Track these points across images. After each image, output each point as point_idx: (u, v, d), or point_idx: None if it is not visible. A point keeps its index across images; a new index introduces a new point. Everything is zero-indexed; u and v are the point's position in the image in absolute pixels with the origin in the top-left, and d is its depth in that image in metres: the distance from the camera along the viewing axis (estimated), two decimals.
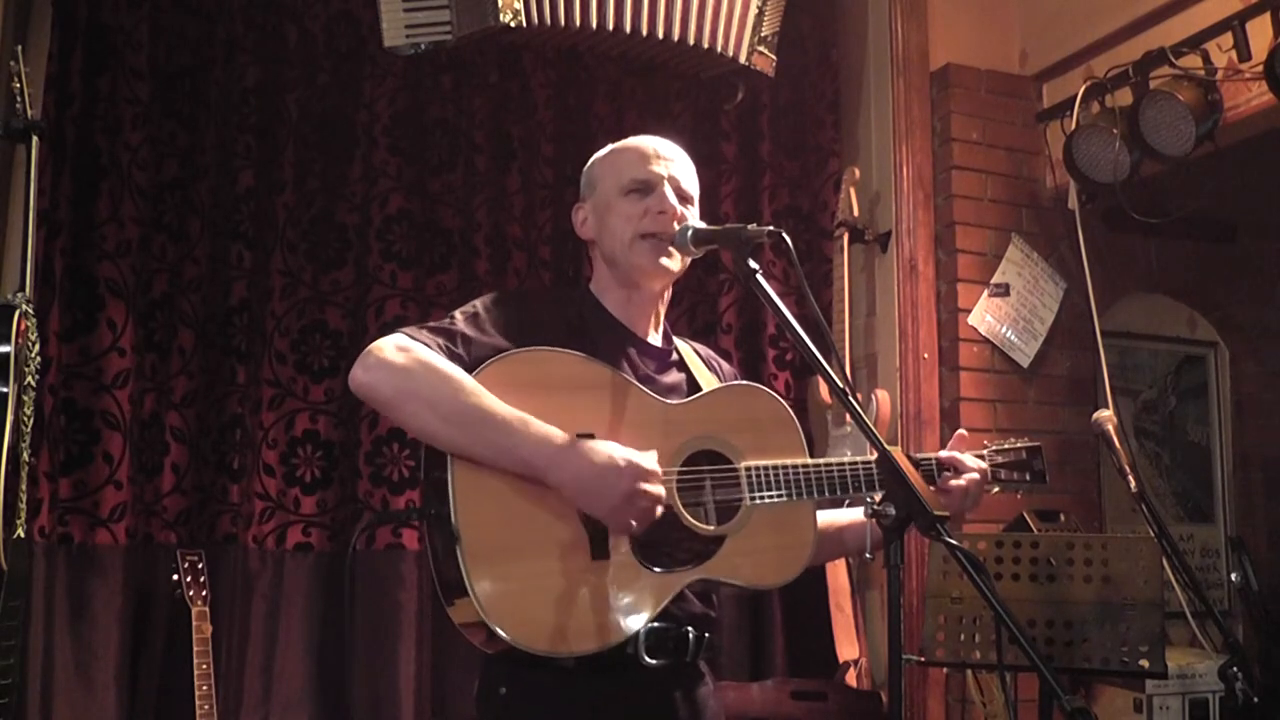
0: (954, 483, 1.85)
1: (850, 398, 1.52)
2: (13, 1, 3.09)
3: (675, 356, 1.89)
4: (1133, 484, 2.45)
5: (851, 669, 3.28)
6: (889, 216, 3.51)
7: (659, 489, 1.61)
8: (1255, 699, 2.25)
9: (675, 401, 1.77)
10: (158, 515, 3.13)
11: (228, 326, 3.27)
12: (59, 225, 3.07)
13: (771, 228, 1.62)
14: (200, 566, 2.98)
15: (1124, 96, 3.11)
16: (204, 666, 2.88)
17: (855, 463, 1.79)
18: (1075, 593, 2.26)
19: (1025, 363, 3.45)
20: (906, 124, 3.47)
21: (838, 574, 3.37)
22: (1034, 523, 3.07)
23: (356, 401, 3.19)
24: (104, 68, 3.16)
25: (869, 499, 1.61)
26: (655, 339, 1.88)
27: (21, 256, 2.72)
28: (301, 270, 3.32)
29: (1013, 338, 3.43)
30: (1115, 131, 3.07)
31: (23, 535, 2.59)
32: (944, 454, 1.90)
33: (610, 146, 1.91)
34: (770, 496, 1.74)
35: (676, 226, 1.77)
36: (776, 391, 2.16)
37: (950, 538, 1.38)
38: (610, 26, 3.06)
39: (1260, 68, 2.72)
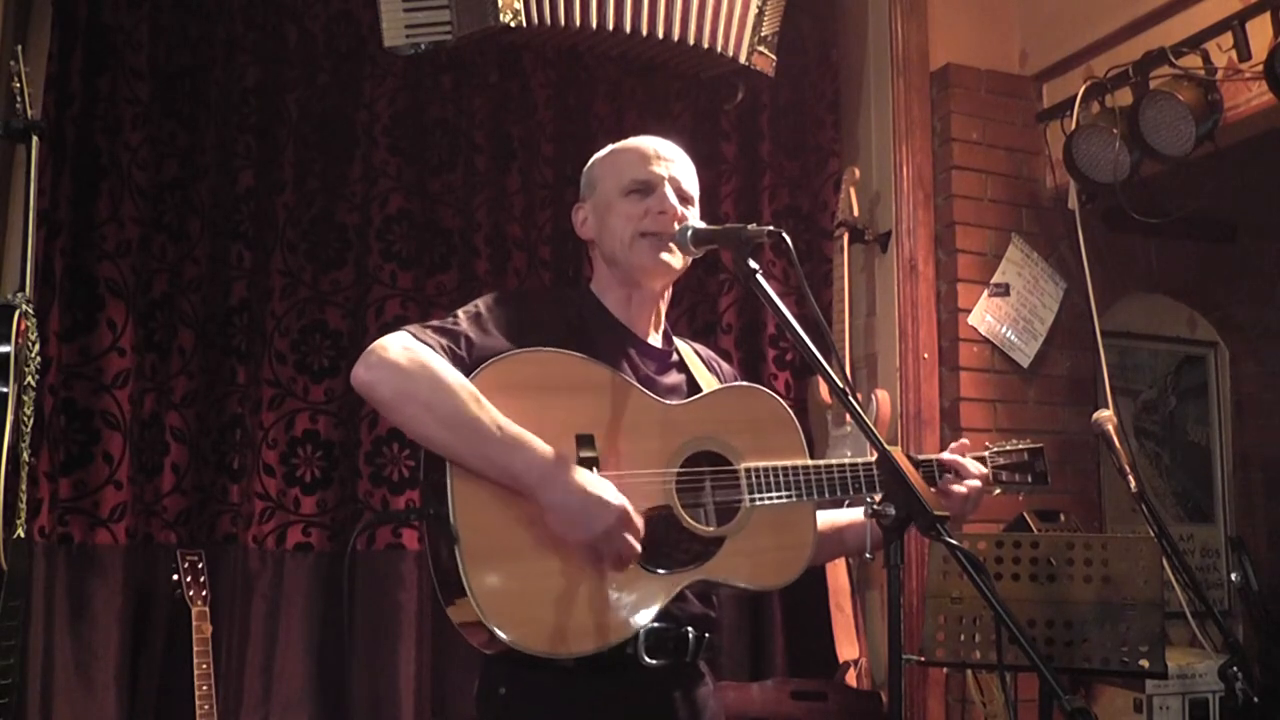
0: (955, 488, 1.85)
1: (850, 398, 1.52)
2: (13, 1, 3.09)
3: (675, 357, 1.89)
4: (1133, 484, 2.45)
5: (851, 669, 3.28)
6: (889, 216, 3.51)
7: (636, 545, 1.60)
8: (1255, 699, 2.25)
9: (675, 402, 1.77)
10: (158, 515, 3.13)
11: (228, 326, 3.27)
12: (59, 225, 3.07)
13: (771, 228, 1.62)
14: (200, 566, 2.98)
15: (1124, 96, 3.11)
16: (204, 666, 2.88)
17: (855, 463, 1.79)
18: (1075, 593, 2.26)
19: (1025, 363, 3.45)
20: (906, 124, 3.46)
21: (838, 574, 3.37)
22: (1034, 523, 3.08)
23: (357, 401, 3.20)
24: (104, 68, 3.16)
25: (869, 499, 1.61)
26: (655, 339, 1.88)
27: (21, 256, 2.72)
28: (301, 270, 3.32)
29: (1013, 338, 3.43)
30: (1115, 131, 3.06)
31: (23, 535, 2.60)
32: (946, 456, 1.89)
33: (610, 147, 1.91)
34: (770, 498, 1.74)
35: (677, 227, 1.77)
36: (776, 391, 2.16)
37: (950, 538, 1.38)
38: (610, 26, 3.06)
39: (1260, 68, 2.72)
